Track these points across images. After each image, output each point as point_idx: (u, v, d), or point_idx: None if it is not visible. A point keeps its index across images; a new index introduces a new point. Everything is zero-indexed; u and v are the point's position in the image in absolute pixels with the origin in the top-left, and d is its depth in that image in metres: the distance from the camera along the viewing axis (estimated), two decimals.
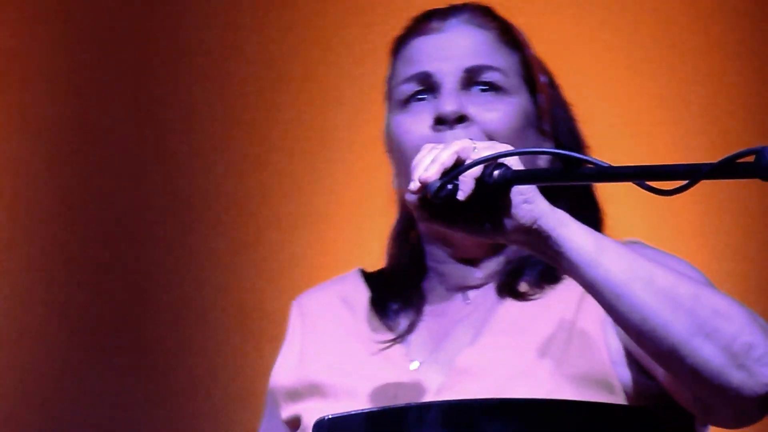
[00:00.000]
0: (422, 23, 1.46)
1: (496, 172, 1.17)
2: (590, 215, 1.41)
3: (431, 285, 1.47)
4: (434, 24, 1.45)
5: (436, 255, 1.46)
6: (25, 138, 2.76)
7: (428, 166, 1.17)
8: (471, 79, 1.42)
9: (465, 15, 1.45)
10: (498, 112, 1.41)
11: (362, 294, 1.49)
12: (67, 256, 2.77)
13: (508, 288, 1.41)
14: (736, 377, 1.20)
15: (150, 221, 2.76)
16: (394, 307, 1.46)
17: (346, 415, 1.20)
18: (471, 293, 1.44)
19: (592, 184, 1.48)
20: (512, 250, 1.43)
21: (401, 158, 1.41)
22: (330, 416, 1.19)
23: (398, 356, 1.41)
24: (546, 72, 1.49)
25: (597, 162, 1.22)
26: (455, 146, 1.18)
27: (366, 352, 1.42)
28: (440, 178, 1.16)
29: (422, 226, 1.44)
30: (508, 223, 1.20)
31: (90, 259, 2.78)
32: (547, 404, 1.22)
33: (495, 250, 1.44)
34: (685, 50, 2.61)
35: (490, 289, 1.43)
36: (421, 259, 1.47)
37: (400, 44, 1.47)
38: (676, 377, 1.25)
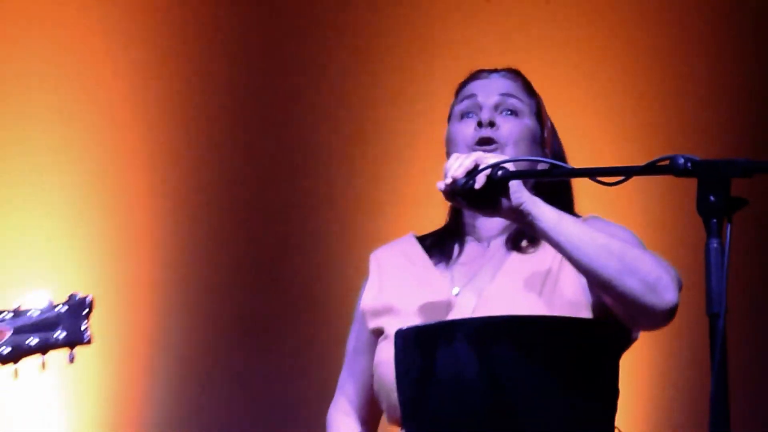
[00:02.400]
0: (476, 74, 2.13)
1: (499, 172, 1.77)
2: (564, 199, 2.04)
3: (465, 239, 2.09)
4: (483, 74, 2.12)
5: (470, 221, 2.08)
6: (200, 162, 3.53)
7: (456, 168, 1.78)
8: (501, 104, 2.06)
9: (503, 72, 2.12)
10: (512, 125, 2.05)
11: (416, 248, 2.10)
12: (219, 261, 3.54)
13: (513, 244, 2.03)
14: (649, 298, 1.84)
15: (278, 217, 3.57)
16: (440, 254, 2.07)
17: (416, 327, 1.83)
18: (491, 243, 2.06)
19: (570, 183, 2.10)
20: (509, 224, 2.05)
21: (452, 150, 2.04)
22: (405, 327, 1.82)
23: (444, 286, 2.01)
24: (539, 96, 2.14)
25: (564, 165, 1.82)
26: (474, 156, 1.80)
27: (421, 284, 2.03)
28: (464, 176, 1.76)
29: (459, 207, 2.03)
30: (504, 204, 1.82)
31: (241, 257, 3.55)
32: (541, 319, 1.86)
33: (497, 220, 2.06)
34: (618, 79, 3.51)
35: (500, 243, 2.04)
36: (460, 222, 2.09)
37: (460, 87, 2.14)
38: (613, 300, 1.87)
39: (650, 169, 1.72)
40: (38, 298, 2.00)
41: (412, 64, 3.47)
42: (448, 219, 2.12)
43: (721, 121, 3.48)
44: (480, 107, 2.06)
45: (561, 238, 1.84)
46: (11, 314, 1.98)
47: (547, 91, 2.20)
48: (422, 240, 2.12)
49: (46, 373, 1.95)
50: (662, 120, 3.51)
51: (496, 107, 2.06)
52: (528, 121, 2.07)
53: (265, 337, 3.49)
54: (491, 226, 2.06)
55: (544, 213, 1.84)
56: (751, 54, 3.54)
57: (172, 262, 3.48)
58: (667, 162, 1.70)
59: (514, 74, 2.12)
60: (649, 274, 1.85)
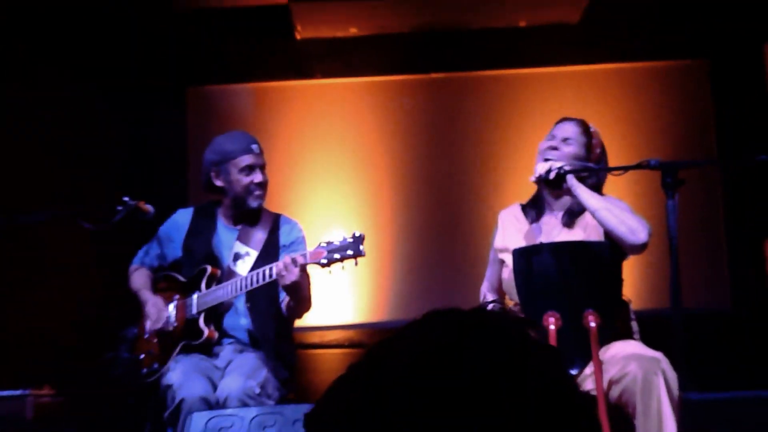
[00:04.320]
0: (560, 121, 3.66)
1: (562, 170, 3.43)
2: (594, 187, 3.58)
3: (544, 208, 3.64)
4: (562, 122, 3.64)
5: (547, 195, 3.65)
6: (410, 175, 6.11)
7: (540, 169, 3.42)
8: (565, 140, 3.59)
9: (572, 121, 3.64)
10: (566, 151, 3.58)
11: (520, 213, 3.66)
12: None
13: (567, 220, 3.55)
14: (632, 238, 3.35)
15: (450, 199, 5.92)
16: (531, 219, 3.62)
17: (523, 247, 3.43)
18: (557, 214, 3.60)
19: (602, 180, 3.70)
20: (568, 198, 3.64)
21: (539, 156, 3.61)
22: (515, 248, 3.40)
23: (535, 236, 3.56)
24: (597, 138, 3.67)
25: (591, 166, 3.51)
26: (549, 163, 3.44)
27: (524, 235, 3.58)
28: (545, 173, 3.42)
29: (542, 188, 3.66)
30: (564, 187, 3.44)
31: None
32: (581, 243, 3.47)
33: (563, 195, 3.63)
34: (623, 118, 5.91)
35: (562, 215, 3.58)
36: (542, 197, 3.64)
37: (553, 127, 3.67)
38: (615, 238, 3.37)
39: (638, 166, 3.27)
40: (337, 234, 3.43)
41: (529, 124, 5.55)
42: (534, 195, 3.69)
43: (672, 140, 5.89)
44: (554, 138, 3.61)
45: (591, 204, 3.39)
46: (325, 243, 3.44)
47: (595, 123, 3.87)
48: (523, 207, 3.67)
49: (345, 271, 3.45)
50: (641, 140, 5.86)
51: (563, 141, 3.57)
52: (574, 147, 3.55)
53: (448, 250, 5.83)
54: (559, 203, 3.55)
55: (583, 192, 3.41)
56: (689, 105, 6.03)
57: (402, 221, 5.88)
58: (646, 162, 3.23)
59: (578, 122, 3.63)
60: (632, 225, 3.33)
